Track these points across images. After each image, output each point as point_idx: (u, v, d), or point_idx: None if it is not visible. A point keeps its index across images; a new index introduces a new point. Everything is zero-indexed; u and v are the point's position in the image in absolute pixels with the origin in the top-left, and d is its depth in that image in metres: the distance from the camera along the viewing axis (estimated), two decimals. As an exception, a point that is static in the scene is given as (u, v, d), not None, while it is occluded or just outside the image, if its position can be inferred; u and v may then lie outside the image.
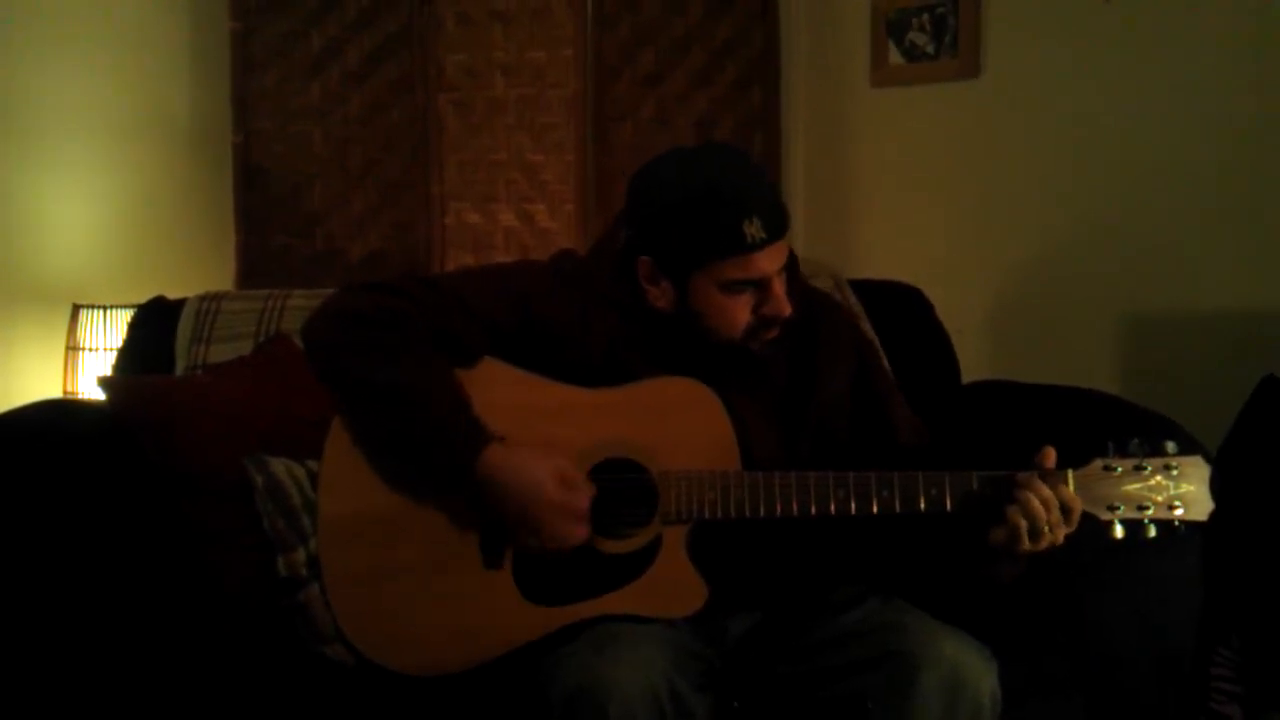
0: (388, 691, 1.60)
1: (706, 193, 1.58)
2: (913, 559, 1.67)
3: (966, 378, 2.42)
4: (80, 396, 3.02)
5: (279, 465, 1.82)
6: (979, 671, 1.48)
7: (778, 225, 1.59)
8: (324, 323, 1.65)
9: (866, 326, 2.30)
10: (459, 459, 1.56)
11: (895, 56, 3.33)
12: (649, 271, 1.65)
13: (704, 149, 1.74)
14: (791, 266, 1.69)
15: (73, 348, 3.07)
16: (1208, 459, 1.55)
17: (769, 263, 1.59)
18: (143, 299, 2.37)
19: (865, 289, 2.45)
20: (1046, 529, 1.49)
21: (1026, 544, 1.50)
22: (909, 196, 3.37)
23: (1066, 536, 1.51)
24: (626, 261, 1.67)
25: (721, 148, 1.73)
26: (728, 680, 1.61)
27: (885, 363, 1.87)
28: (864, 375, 1.77)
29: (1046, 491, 1.49)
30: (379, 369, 1.59)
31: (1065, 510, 1.50)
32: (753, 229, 1.56)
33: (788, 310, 1.63)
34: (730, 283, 1.60)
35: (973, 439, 2.02)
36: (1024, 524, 1.49)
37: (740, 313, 1.62)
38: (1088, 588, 1.80)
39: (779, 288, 1.62)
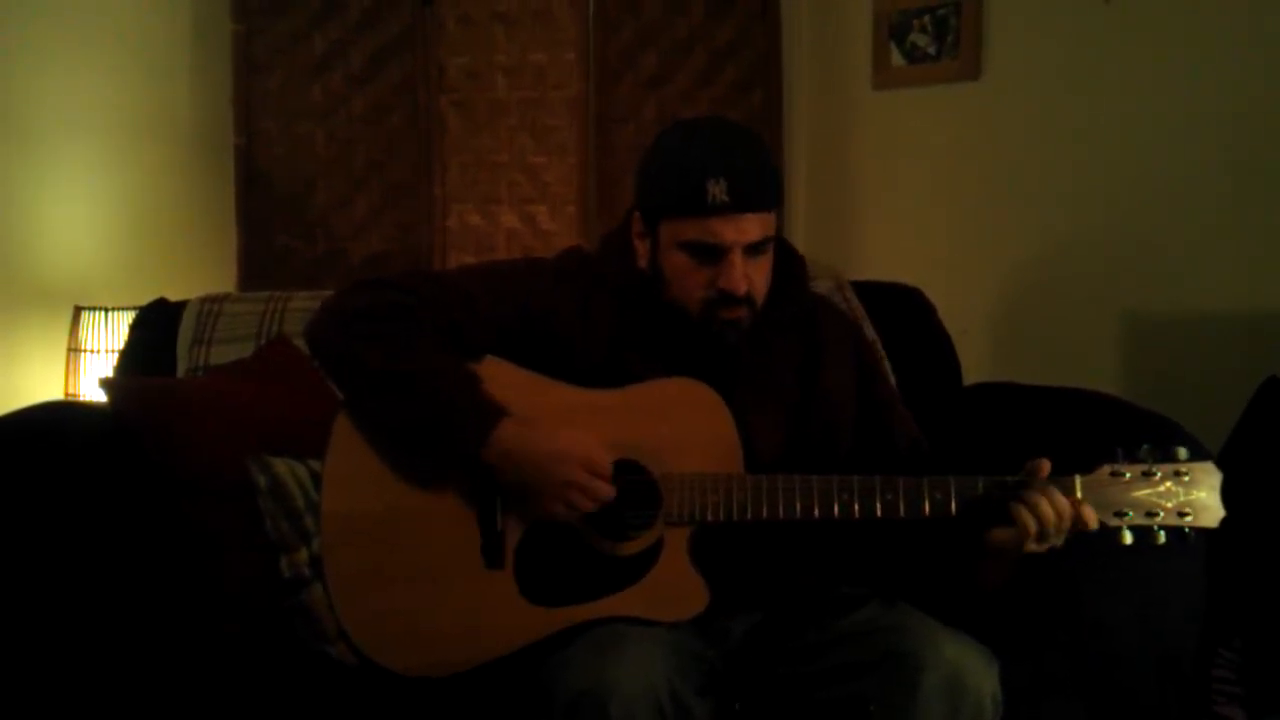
0: (390, 692, 1.60)
1: (681, 147, 1.59)
2: (907, 559, 1.67)
3: (968, 379, 2.42)
4: (82, 398, 3.02)
5: (282, 465, 1.82)
6: (981, 673, 1.47)
7: (748, 196, 1.56)
8: (329, 318, 1.65)
9: (868, 328, 2.30)
10: (472, 437, 1.55)
11: (897, 58, 3.33)
12: (639, 227, 1.66)
13: (710, 117, 1.73)
14: (788, 260, 1.68)
15: (74, 349, 3.07)
16: (1215, 461, 1.54)
17: (731, 231, 1.56)
18: (144, 301, 2.37)
19: (867, 290, 2.45)
20: (1053, 532, 1.49)
21: (1031, 546, 1.50)
22: (910, 198, 3.37)
23: (1066, 539, 1.51)
24: (628, 227, 1.68)
25: (725, 120, 1.70)
26: (729, 681, 1.61)
27: (887, 366, 1.86)
28: (867, 380, 1.77)
29: (1063, 503, 1.49)
30: (386, 356, 1.58)
31: (1080, 525, 1.50)
32: (716, 190, 1.54)
33: (741, 288, 1.59)
34: (687, 243, 1.59)
35: (975, 441, 2.02)
36: (1033, 526, 1.49)
37: (692, 278, 1.60)
38: (1089, 588, 1.80)
39: (738, 263, 1.58)
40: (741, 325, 1.63)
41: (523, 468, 1.56)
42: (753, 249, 1.59)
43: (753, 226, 1.58)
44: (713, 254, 1.58)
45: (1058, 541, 1.50)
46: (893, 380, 2.07)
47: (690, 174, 1.56)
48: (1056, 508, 1.48)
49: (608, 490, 1.56)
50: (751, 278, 1.60)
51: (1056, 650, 1.77)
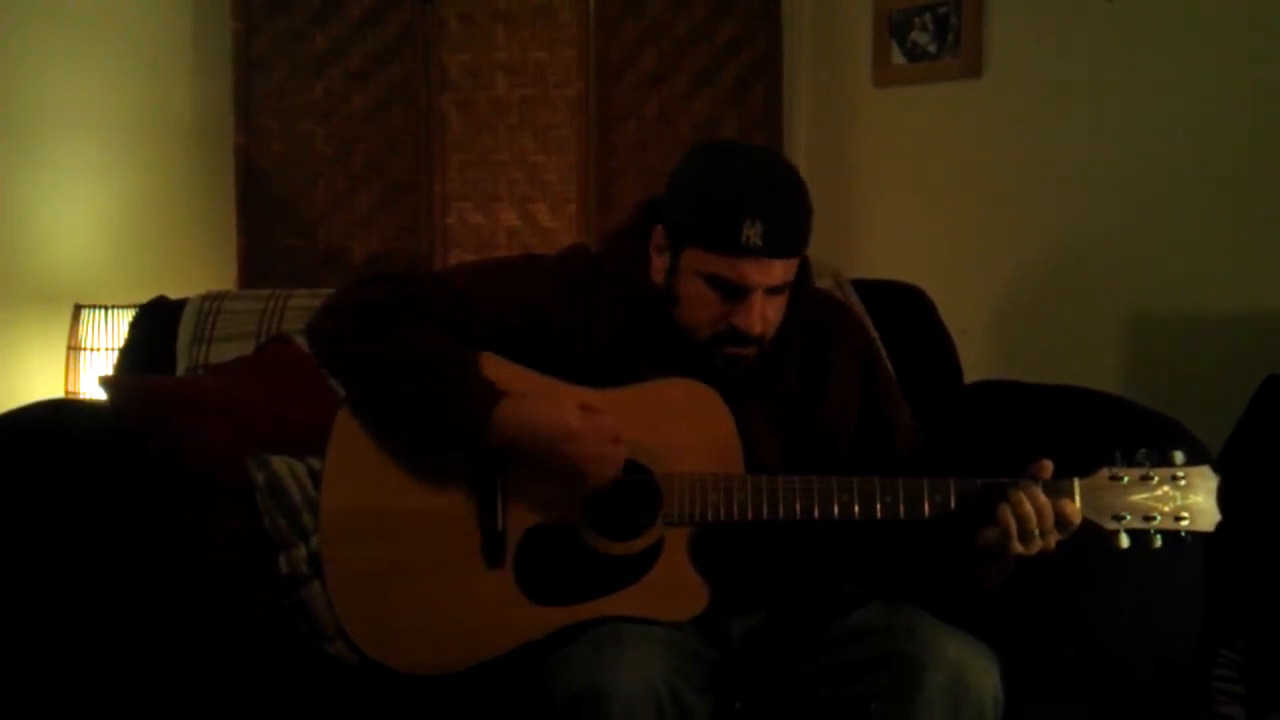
0: (389, 690, 1.60)
1: (726, 181, 1.55)
2: (905, 558, 1.67)
3: (969, 378, 2.41)
4: (82, 396, 3.02)
5: (280, 463, 1.82)
6: (982, 673, 1.47)
7: (781, 244, 1.55)
8: (333, 313, 1.65)
9: (868, 326, 2.29)
10: (477, 414, 1.55)
11: (898, 56, 3.33)
12: (660, 240, 1.64)
13: (762, 149, 1.70)
14: (801, 280, 1.68)
15: (74, 348, 3.07)
16: (1212, 464, 1.54)
17: (757, 274, 1.55)
18: (144, 299, 2.37)
19: (867, 288, 2.45)
20: (1037, 533, 1.49)
21: (1017, 546, 1.49)
22: (911, 196, 3.37)
23: (1059, 542, 1.51)
24: (645, 235, 1.66)
25: (778, 158, 1.68)
26: (730, 680, 1.61)
27: (889, 366, 1.85)
28: (871, 383, 1.77)
29: (1043, 499, 1.49)
30: (389, 343, 1.58)
31: (1063, 522, 1.50)
32: (751, 232, 1.52)
33: (756, 329, 1.58)
34: (710, 275, 1.57)
35: (975, 440, 2.02)
36: (1014, 525, 1.48)
37: (707, 310, 1.59)
38: (1088, 590, 1.80)
39: (757, 304, 1.57)
40: (746, 361, 1.63)
41: (530, 444, 1.56)
42: (773, 289, 1.59)
43: (779, 271, 1.57)
44: (734, 292, 1.57)
45: (1046, 543, 1.50)
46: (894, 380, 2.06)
47: (727, 210, 1.53)
48: (1036, 505, 1.48)
49: (619, 455, 1.56)
50: (767, 316, 1.59)
51: (1056, 651, 1.77)
